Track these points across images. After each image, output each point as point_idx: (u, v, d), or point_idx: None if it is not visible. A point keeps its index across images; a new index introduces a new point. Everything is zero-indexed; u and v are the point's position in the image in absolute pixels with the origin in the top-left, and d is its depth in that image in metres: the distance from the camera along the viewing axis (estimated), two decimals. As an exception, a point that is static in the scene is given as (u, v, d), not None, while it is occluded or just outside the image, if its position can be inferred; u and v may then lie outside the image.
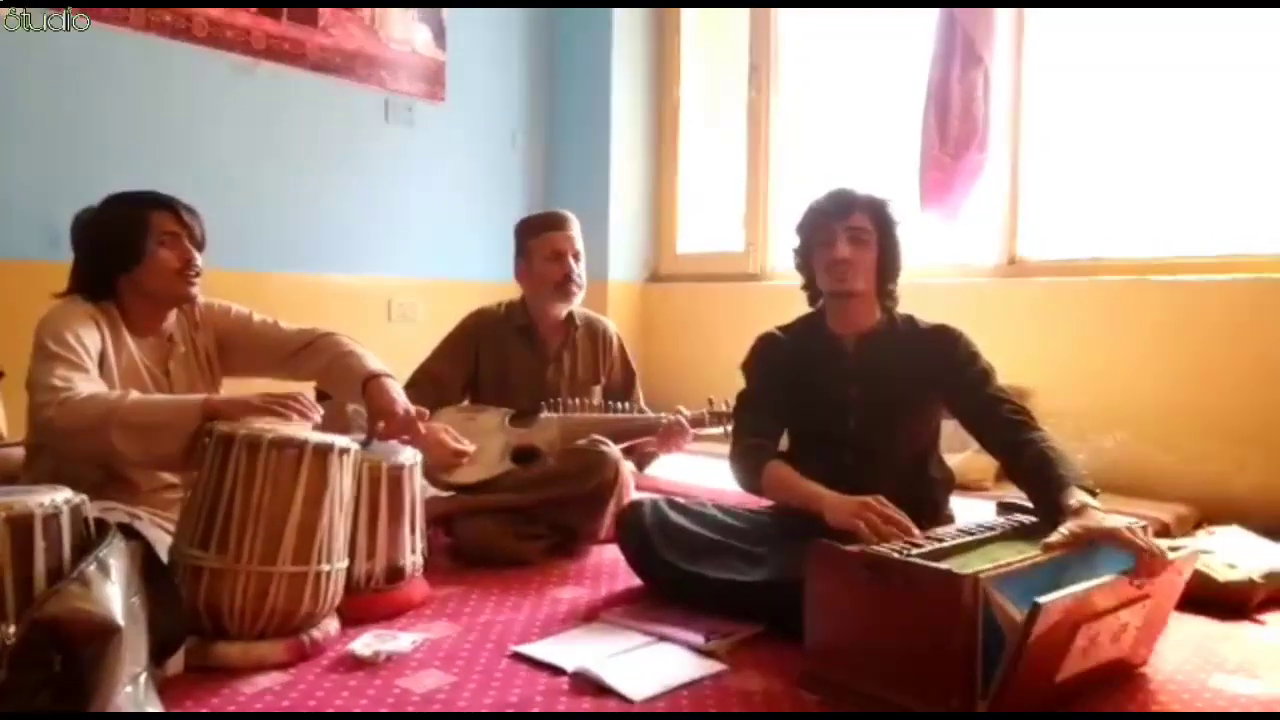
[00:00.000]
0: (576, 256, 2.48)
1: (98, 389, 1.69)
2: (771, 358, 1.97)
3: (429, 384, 2.45)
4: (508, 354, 2.50)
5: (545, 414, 2.41)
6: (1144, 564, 1.40)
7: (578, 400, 2.45)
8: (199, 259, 1.89)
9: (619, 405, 2.51)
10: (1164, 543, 1.50)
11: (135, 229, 1.84)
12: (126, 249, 1.83)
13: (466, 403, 2.51)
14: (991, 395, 1.80)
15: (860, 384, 1.89)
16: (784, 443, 2.00)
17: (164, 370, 1.92)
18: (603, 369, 2.59)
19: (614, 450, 2.28)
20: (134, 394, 1.70)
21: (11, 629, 1.17)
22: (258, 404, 1.68)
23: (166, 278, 1.85)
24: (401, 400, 1.92)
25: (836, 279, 1.87)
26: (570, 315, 2.55)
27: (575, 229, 2.52)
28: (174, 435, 1.64)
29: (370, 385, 1.92)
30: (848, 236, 1.86)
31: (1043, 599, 1.24)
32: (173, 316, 1.94)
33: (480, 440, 2.33)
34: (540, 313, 2.52)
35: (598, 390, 2.55)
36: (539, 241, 2.49)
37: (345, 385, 1.97)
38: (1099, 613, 1.36)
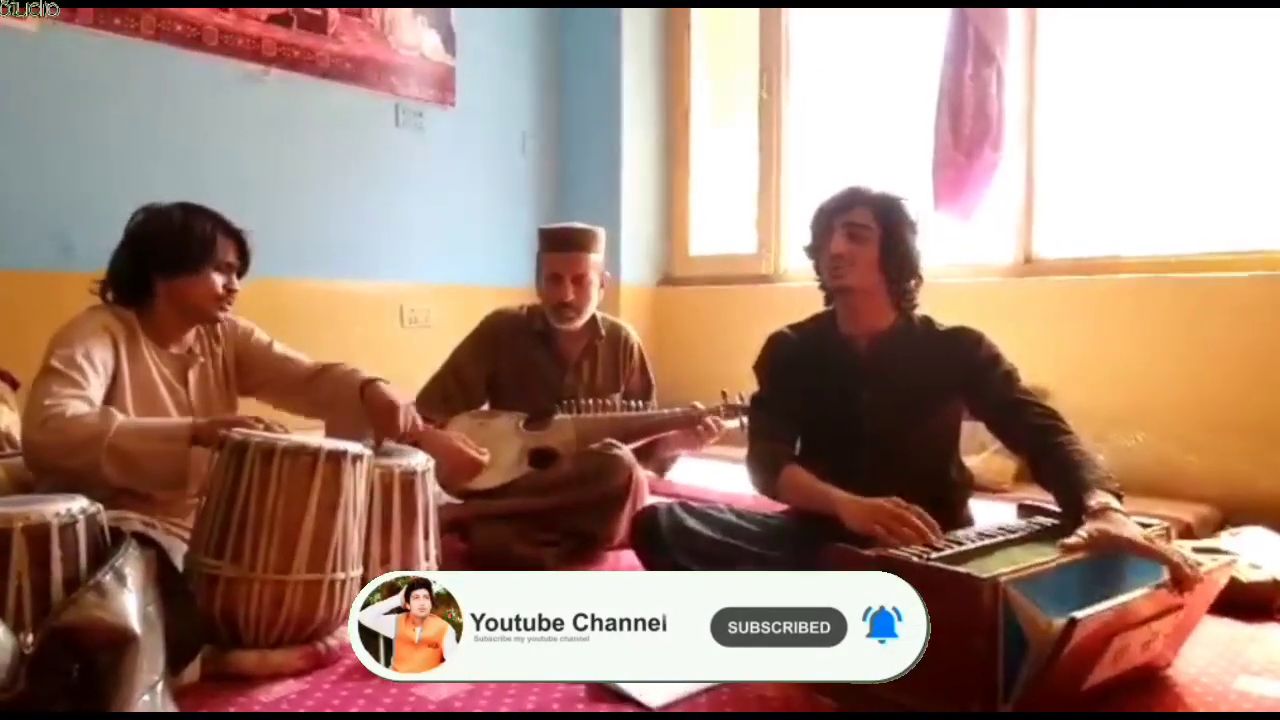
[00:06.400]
0: (579, 280, 2.39)
1: (85, 410, 1.66)
2: (783, 358, 1.95)
3: (457, 386, 2.44)
4: (527, 358, 2.47)
5: (559, 415, 2.40)
6: (1177, 575, 1.37)
7: (591, 401, 2.43)
8: (238, 287, 1.93)
9: (633, 404, 2.49)
10: (1191, 543, 1.48)
11: (201, 244, 1.86)
12: (181, 256, 1.85)
13: (486, 408, 2.50)
14: (1019, 399, 1.77)
15: (873, 388, 1.86)
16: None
17: (182, 381, 1.92)
18: (623, 377, 2.56)
19: (628, 454, 2.26)
20: (120, 418, 1.67)
21: (29, 638, 1.18)
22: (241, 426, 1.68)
23: (206, 299, 1.88)
24: (399, 397, 1.96)
25: (832, 274, 1.86)
26: (594, 322, 2.52)
27: (585, 248, 2.43)
28: (162, 460, 1.65)
29: (367, 390, 1.96)
30: (846, 232, 1.83)
31: (1080, 614, 1.21)
32: (194, 329, 1.96)
33: (496, 445, 2.32)
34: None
35: (616, 398, 2.52)
36: (544, 259, 2.47)
37: (346, 401, 1.99)
38: (1134, 623, 1.34)
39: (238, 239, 1.92)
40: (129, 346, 1.84)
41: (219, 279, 1.88)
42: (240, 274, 1.95)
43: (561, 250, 2.43)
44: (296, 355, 2.08)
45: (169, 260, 1.84)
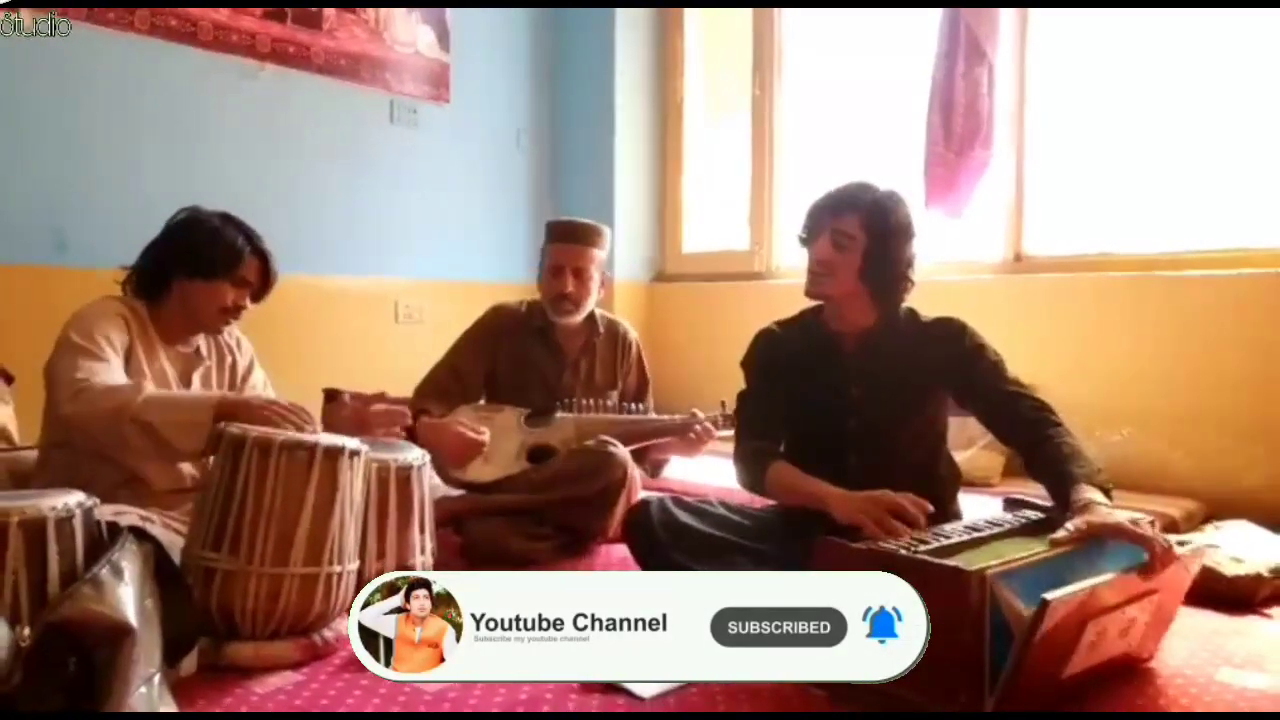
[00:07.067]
0: (579, 273, 2.41)
1: (115, 381, 1.70)
2: (771, 355, 1.96)
3: (453, 380, 2.44)
4: (526, 354, 2.48)
5: (560, 414, 2.40)
6: (1153, 557, 1.40)
7: (592, 401, 2.44)
8: (247, 306, 1.96)
9: (633, 407, 2.50)
10: (1172, 538, 1.50)
11: (224, 254, 1.89)
12: (204, 260, 1.87)
13: (482, 402, 2.51)
14: (1010, 391, 1.77)
15: (861, 384, 1.87)
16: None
17: (186, 382, 1.95)
18: (620, 375, 2.57)
19: (622, 451, 2.27)
20: (149, 388, 1.72)
21: (26, 631, 1.18)
22: (263, 410, 1.71)
23: (209, 310, 1.91)
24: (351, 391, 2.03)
25: (810, 280, 1.86)
26: (593, 319, 2.52)
27: (589, 243, 2.44)
28: (188, 432, 1.67)
29: (327, 392, 2.06)
30: (831, 239, 1.82)
31: (1050, 595, 1.24)
32: (203, 334, 1.99)
33: (497, 438, 2.33)
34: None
35: (614, 395, 2.53)
36: (548, 250, 2.48)
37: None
38: (1107, 608, 1.36)
39: (265, 260, 1.95)
40: (143, 338, 1.87)
41: (228, 293, 1.90)
42: (257, 297, 1.97)
43: (565, 241, 2.45)
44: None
45: (192, 262, 1.87)
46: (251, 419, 1.69)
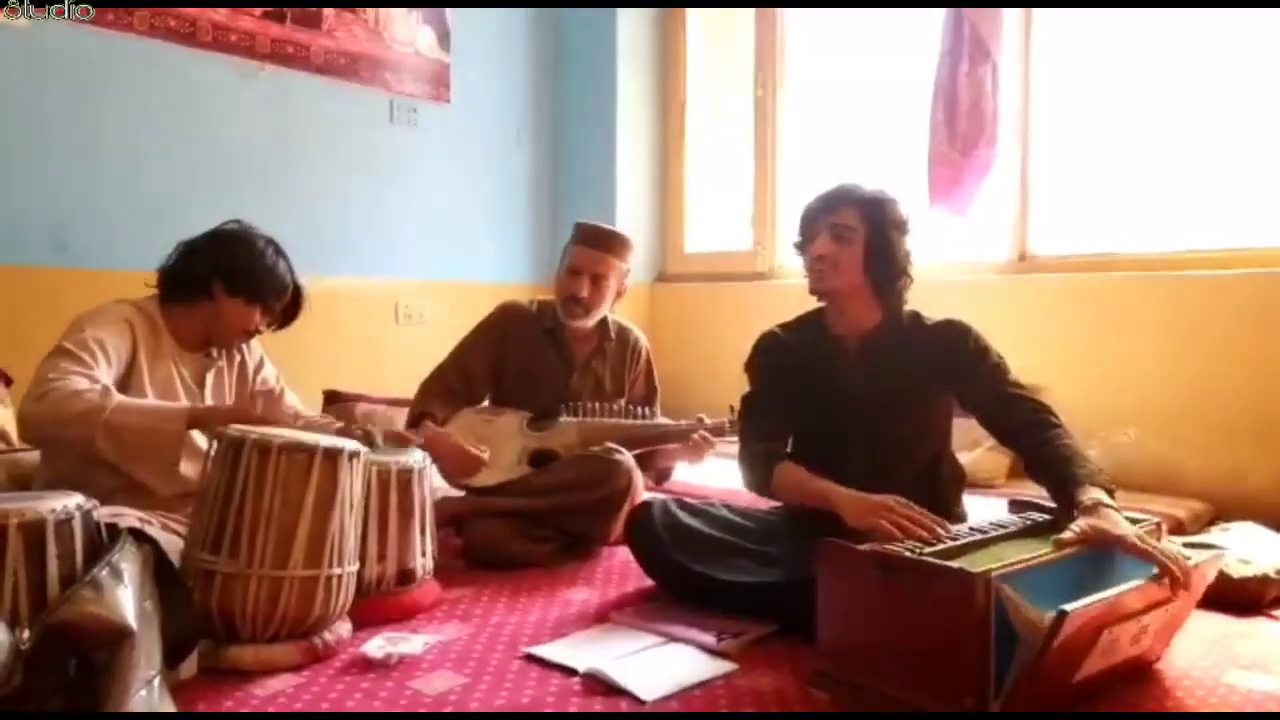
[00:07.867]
0: (597, 280, 2.38)
1: (86, 385, 1.68)
2: (774, 357, 1.95)
3: (459, 378, 2.43)
4: (535, 355, 2.45)
5: (564, 418, 2.39)
6: (1166, 573, 1.38)
7: (597, 405, 2.42)
8: (263, 331, 2.00)
9: (639, 411, 2.48)
10: (1183, 539, 1.49)
11: (273, 284, 1.93)
12: (254, 284, 1.91)
13: (486, 403, 2.49)
14: (1010, 393, 1.77)
15: (864, 387, 1.86)
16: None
17: (199, 383, 1.95)
18: (628, 383, 2.55)
19: (627, 458, 2.25)
20: (118, 397, 1.70)
21: (26, 634, 1.18)
22: (240, 418, 1.70)
23: (234, 327, 1.94)
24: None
25: (814, 277, 1.86)
26: (605, 325, 2.50)
27: (613, 251, 2.41)
28: (156, 440, 1.67)
29: (328, 394, 2.07)
30: (831, 234, 1.83)
31: (1069, 607, 1.22)
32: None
33: (498, 443, 2.32)
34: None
35: (621, 403, 2.51)
36: (570, 250, 2.45)
37: (319, 424, 2.04)
38: (1124, 617, 1.35)
39: (296, 295, 1.99)
40: (150, 342, 1.86)
41: (251, 318, 1.94)
42: (277, 325, 2.01)
43: (589, 245, 2.42)
44: (297, 409, 2.12)
45: (239, 280, 1.89)
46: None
